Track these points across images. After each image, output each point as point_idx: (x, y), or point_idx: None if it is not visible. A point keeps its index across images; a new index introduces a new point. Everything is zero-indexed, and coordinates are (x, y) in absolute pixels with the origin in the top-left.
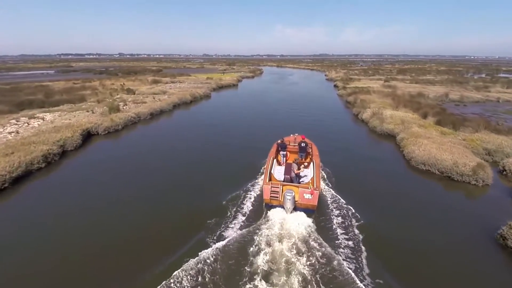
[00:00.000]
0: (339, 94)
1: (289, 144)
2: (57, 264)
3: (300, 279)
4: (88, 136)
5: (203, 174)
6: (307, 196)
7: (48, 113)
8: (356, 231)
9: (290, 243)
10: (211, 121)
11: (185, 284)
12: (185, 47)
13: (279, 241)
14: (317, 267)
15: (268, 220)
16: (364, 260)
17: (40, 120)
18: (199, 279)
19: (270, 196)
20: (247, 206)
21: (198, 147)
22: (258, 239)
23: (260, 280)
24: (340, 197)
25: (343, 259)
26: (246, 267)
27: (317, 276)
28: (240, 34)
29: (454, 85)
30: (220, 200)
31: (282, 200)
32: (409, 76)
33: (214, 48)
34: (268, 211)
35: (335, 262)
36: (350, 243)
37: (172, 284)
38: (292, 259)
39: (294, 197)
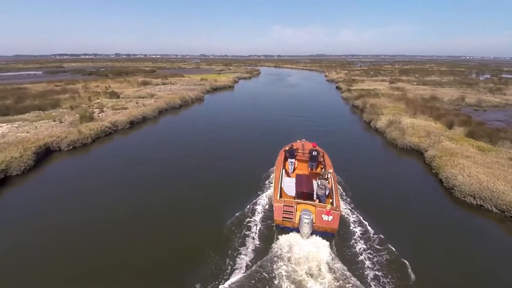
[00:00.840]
0: (344, 97)
1: (298, 152)
2: None
3: None
4: (46, 153)
5: (197, 193)
6: (327, 217)
7: (5, 124)
8: (386, 263)
9: (307, 274)
10: (203, 129)
11: None
12: (182, 47)
13: (293, 274)
14: None
15: (280, 247)
16: None
17: None
18: None
19: (283, 217)
20: (254, 229)
21: (188, 161)
22: (270, 274)
23: None
24: (362, 218)
25: None
26: None
27: None
28: (238, 35)
29: (464, 87)
30: (222, 223)
31: (297, 222)
32: (414, 77)
33: (211, 49)
34: (279, 236)
35: None
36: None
37: None
38: None
39: (312, 220)
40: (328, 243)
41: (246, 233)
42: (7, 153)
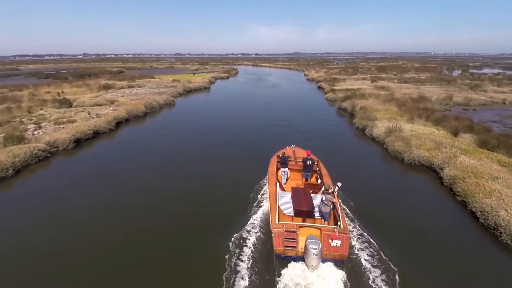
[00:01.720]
0: (328, 98)
1: (290, 160)
2: None
3: None
4: None
5: (175, 220)
6: (335, 242)
7: None
8: None
9: None
10: (172, 140)
11: None
12: (157, 46)
13: None
14: None
15: (283, 283)
16: None
17: None
18: None
19: (285, 246)
20: (250, 261)
21: (157, 183)
22: None
23: None
24: (371, 240)
25: None
26: None
27: None
28: (214, 33)
29: (444, 84)
30: (209, 254)
31: (301, 251)
32: (392, 75)
33: (187, 48)
34: (281, 268)
35: None
36: None
37: None
38: None
39: (321, 250)
40: (337, 272)
41: (239, 266)
42: None
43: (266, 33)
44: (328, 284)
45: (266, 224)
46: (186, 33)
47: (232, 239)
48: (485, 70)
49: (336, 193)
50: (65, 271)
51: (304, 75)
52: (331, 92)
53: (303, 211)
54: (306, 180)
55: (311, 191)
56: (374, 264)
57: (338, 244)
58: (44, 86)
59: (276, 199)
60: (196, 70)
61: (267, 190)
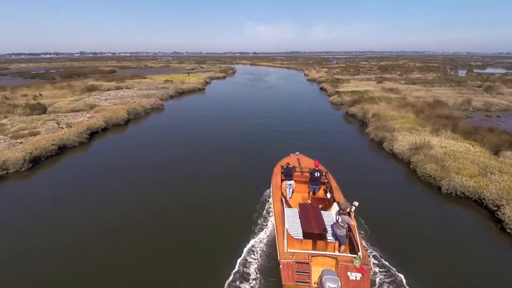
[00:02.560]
0: (334, 102)
1: (295, 170)
2: None
3: None
4: None
5: (170, 246)
6: (354, 276)
7: None
8: None
9: None
10: (155, 153)
11: None
12: (155, 45)
13: None
14: None
15: None
16: None
17: None
18: None
19: (296, 281)
20: None
21: (130, 209)
22: None
23: None
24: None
25: None
26: None
27: None
28: (212, 32)
29: (454, 86)
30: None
31: (315, 286)
32: (397, 75)
33: (185, 46)
34: None
35: None
36: None
37: None
38: None
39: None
40: None
41: None
42: None
43: (263, 31)
44: None
45: (272, 249)
46: (184, 32)
47: (232, 270)
48: (489, 70)
49: (353, 214)
50: None
51: (304, 75)
52: (335, 94)
53: (315, 234)
54: (314, 193)
55: (320, 206)
56: None
57: (358, 278)
58: (23, 88)
59: (282, 221)
60: (192, 69)
61: (271, 207)
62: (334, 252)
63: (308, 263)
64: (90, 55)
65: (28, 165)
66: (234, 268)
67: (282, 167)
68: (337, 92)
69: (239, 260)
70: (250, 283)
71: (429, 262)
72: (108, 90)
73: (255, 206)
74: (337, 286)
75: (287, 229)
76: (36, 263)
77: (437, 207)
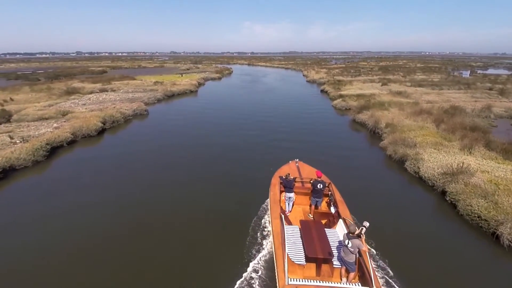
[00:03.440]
0: (337, 107)
1: (295, 181)
2: None
3: None
4: None
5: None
6: None
7: None
8: None
9: None
10: (130, 171)
11: None
12: (152, 45)
13: None
14: None
15: None
16: None
17: None
18: None
19: None
20: None
21: (96, 245)
22: None
23: None
24: None
25: None
26: None
27: None
28: (210, 32)
29: (464, 88)
30: None
31: None
32: (401, 77)
33: (183, 46)
34: None
35: None
36: None
37: None
38: None
39: None
40: None
41: None
42: None
43: (260, 31)
44: None
45: (270, 279)
46: (182, 32)
47: None
48: (491, 71)
49: (363, 237)
50: None
51: (303, 75)
52: (339, 98)
53: (319, 259)
54: (316, 207)
55: (323, 222)
56: None
57: None
58: None
59: (282, 243)
60: (188, 69)
61: (268, 224)
62: (341, 280)
63: None
64: (86, 55)
65: None
66: None
67: (281, 177)
68: (341, 96)
69: None
70: None
71: None
72: (91, 93)
73: (250, 224)
74: None
75: (287, 254)
76: None
77: (499, 265)
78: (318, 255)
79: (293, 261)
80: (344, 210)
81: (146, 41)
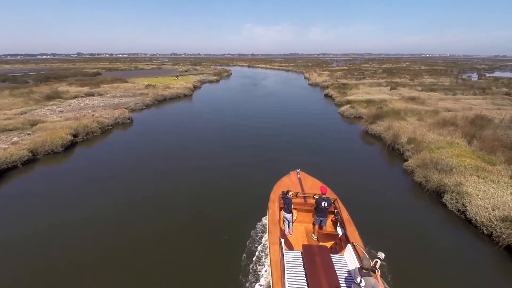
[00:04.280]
0: (345, 114)
1: (296, 196)
2: None
3: None
4: None
5: None
6: None
7: None
8: None
9: None
10: (99, 199)
11: None
12: (153, 46)
13: None
14: None
15: None
16: None
17: None
18: None
19: None
20: None
21: None
22: None
23: None
24: None
25: None
26: None
27: None
28: (211, 33)
29: (479, 93)
30: None
31: None
32: (408, 80)
33: (183, 47)
34: None
35: None
36: None
37: None
38: None
39: None
40: None
41: None
42: None
43: (261, 33)
44: None
45: None
46: (183, 33)
47: None
48: (498, 74)
49: (378, 273)
50: None
51: (305, 78)
52: (346, 104)
53: None
54: (320, 227)
55: (329, 246)
56: None
57: None
58: None
59: (282, 275)
60: (186, 71)
61: (266, 249)
62: None
63: None
64: (87, 56)
65: None
66: None
67: (283, 193)
68: (348, 102)
69: None
70: None
71: None
72: (75, 97)
73: (244, 250)
74: None
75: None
76: None
77: None
78: (322, 286)
79: None
80: (353, 233)
81: (147, 42)
